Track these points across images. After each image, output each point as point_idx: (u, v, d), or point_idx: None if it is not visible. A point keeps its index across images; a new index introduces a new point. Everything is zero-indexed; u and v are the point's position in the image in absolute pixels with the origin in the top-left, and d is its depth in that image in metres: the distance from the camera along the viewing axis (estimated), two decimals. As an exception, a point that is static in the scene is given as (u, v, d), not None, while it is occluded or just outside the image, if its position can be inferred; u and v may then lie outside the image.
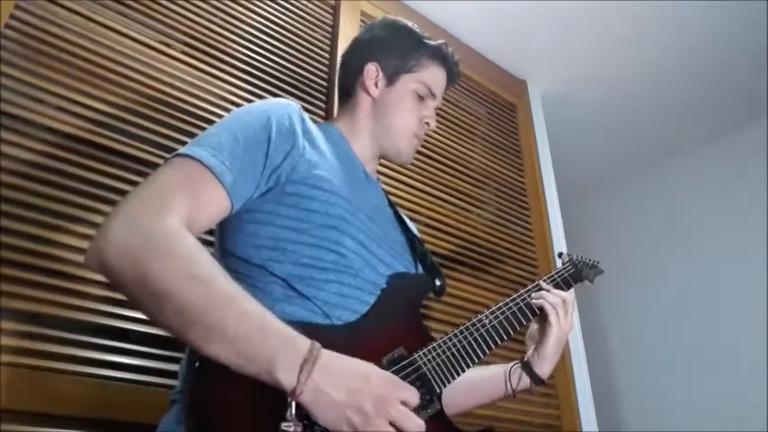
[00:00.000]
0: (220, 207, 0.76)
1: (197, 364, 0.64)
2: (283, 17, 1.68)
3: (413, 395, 0.69)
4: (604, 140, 2.90)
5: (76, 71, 1.23)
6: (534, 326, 1.01)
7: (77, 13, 1.27)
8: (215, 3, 1.54)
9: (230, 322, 0.62)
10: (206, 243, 0.94)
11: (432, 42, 1.04)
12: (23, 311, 1.01)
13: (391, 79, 1.02)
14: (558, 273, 1.08)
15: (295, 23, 1.70)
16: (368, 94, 1.02)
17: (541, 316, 0.98)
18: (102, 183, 1.17)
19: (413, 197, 1.77)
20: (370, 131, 1.01)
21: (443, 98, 2.08)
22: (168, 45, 1.40)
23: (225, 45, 1.51)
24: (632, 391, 2.75)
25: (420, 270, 1.01)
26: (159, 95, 1.32)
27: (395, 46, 1.03)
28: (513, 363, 1.01)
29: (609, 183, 3.23)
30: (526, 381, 0.99)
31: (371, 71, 1.02)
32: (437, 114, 0.94)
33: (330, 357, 0.65)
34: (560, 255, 1.18)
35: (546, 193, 2.29)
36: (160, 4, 1.42)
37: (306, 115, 0.91)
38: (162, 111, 1.31)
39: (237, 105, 1.44)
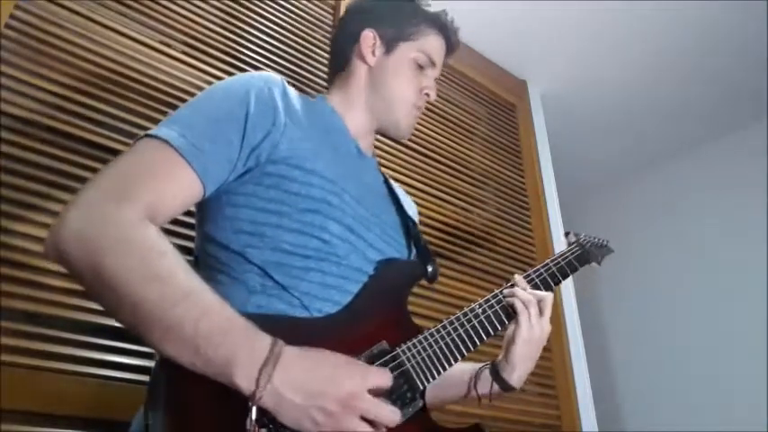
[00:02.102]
0: (190, 191, 0.71)
1: (156, 363, 0.61)
2: (283, 17, 1.68)
3: (383, 378, 0.65)
4: (604, 140, 2.90)
5: (76, 71, 1.23)
6: (511, 326, 0.90)
7: (77, 13, 1.27)
8: (215, 3, 1.54)
9: (188, 321, 0.58)
10: (187, 225, 0.91)
11: (430, 9, 0.99)
12: (23, 311, 1.01)
13: (389, 47, 0.95)
14: (562, 256, 1.00)
15: (295, 23, 1.70)
16: (364, 62, 0.95)
17: (515, 315, 0.88)
18: (102, 183, 1.17)
19: (413, 197, 1.77)
20: (367, 102, 0.95)
21: (443, 98, 2.10)
22: (168, 45, 1.40)
23: (225, 45, 1.51)
24: (632, 391, 2.74)
25: (413, 254, 0.95)
26: (159, 95, 1.32)
27: (393, 13, 0.97)
28: (483, 364, 0.93)
29: (609, 183, 3.23)
30: (493, 386, 0.90)
31: (369, 38, 0.95)
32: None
33: (293, 356, 0.60)
34: (566, 234, 1.10)
35: (546, 193, 2.29)
36: (160, 4, 1.42)
37: (290, 89, 0.85)
38: (162, 111, 1.31)
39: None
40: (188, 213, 0.86)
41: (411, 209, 1.04)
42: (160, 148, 0.69)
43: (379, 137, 1.03)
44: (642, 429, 2.63)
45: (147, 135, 0.71)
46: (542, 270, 0.95)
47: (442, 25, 0.99)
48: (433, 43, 0.98)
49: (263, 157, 0.76)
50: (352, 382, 0.62)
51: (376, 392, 0.64)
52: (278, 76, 0.84)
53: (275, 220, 0.75)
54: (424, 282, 0.90)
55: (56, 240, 0.63)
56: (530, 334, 0.87)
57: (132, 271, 0.60)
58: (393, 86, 0.95)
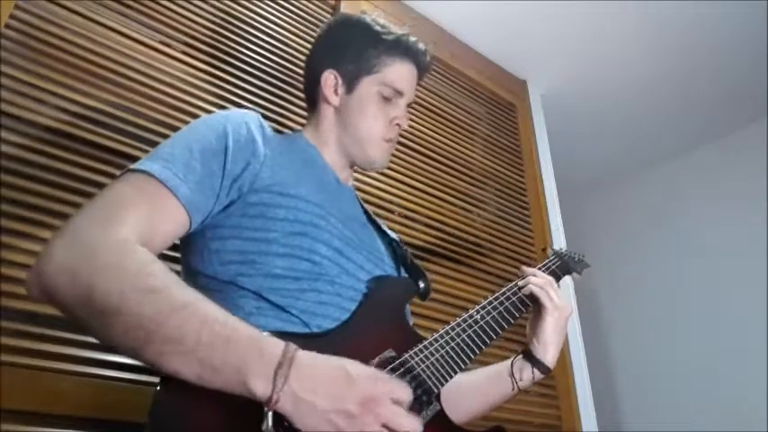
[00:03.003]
0: (177, 222, 0.71)
1: (158, 387, 0.59)
2: (283, 17, 1.68)
3: (404, 391, 0.62)
4: (605, 140, 2.90)
5: (76, 71, 1.22)
6: (530, 320, 0.96)
7: (77, 13, 1.27)
8: (215, 3, 1.54)
9: (190, 330, 0.56)
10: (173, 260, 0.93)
11: (389, 37, 0.95)
12: (23, 311, 1.01)
13: (351, 85, 0.95)
14: (544, 265, 1.04)
15: (295, 23, 1.70)
16: (329, 103, 0.96)
17: (534, 302, 0.93)
18: (101, 182, 1.16)
19: (413, 197, 1.77)
20: (338, 141, 0.96)
21: (443, 98, 2.10)
22: (168, 45, 1.40)
23: (225, 45, 1.51)
24: (632, 391, 2.74)
25: (403, 274, 0.96)
26: (159, 95, 1.32)
27: (350, 47, 0.95)
28: (514, 356, 0.95)
29: (609, 183, 3.23)
30: (531, 372, 0.92)
31: (329, 79, 0.96)
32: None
33: (308, 358, 0.58)
34: (544, 249, 1.15)
35: (546, 193, 2.29)
36: (160, 4, 1.42)
37: (266, 123, 0.86)
38: (162, 111, 1.31)
39: (237, 105, 1.44)
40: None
41: (391, 233, 1.06)
42: (144, 180, 0.69)
43: None
44: (642, 429, 2.63)
45: (129, 170, 0.71)
46: (510, 294, 0.96)
47: (405, 50, 0.97)
48: (398, 71, 0.96)
49: (246, 187, 0.77)
50: (374, 387, 0.59)
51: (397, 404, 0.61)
52: (254, 113, 0.86)
53: (264, 248, 0.76)
54: (417, 299, 0.92)
55: (40, 275, 0.61)
56: (557, 311, 0.92)
57: (125, 288, 0.58)
58: (360, 125, 0.94)
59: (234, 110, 0.86)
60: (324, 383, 0.57)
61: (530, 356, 0.93)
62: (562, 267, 1.06)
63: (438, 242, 1.77)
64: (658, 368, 2.67)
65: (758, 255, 2.50)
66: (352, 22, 0.99)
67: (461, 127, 2.10)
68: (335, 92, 0.96)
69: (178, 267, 0.86)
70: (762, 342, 2.37)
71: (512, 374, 0.93)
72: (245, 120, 0.82)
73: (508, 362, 0.95)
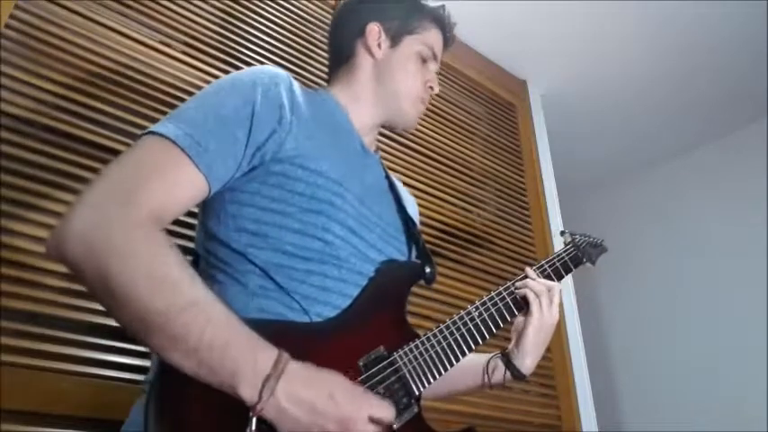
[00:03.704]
0: (196, 190, 0.70)
1: (160, 370, 0.61)
2: (283, 17, 1.68)
3: (385, 411, 0.65)
4: (605, 140, 2.90)
5: (76, 71, 1.22)
6: (520, 317, 0.94)
7: (77, 13, 1.27)
8: (215, 3, 1.54)
9: (194, 329, 0.58)
10: (187, 225, 0.92)
11: (430, 5, 1.01)
12: (23, 311, 1.01)
13: (395, 40, 0.96)
14: (557, 257, 1.04)
15: (295, 23, 1.70)
16: (371, 55, 0.95)
17: (526, 305, 0.92)
18: (102, 183, 1.17)
19: (413, 197, 1.77)
20: (375, 96, 0.95)
21: (443, 98, 2.09)
22: (168, 45, 1.40)
23: (225, 45, 1.51)
24: (632, 391, 2.74)
25: (413, 254, 0.96)
26: (159, 95, 1.32)
27: (395, 6, 0.98)
28: (493, 353, 0.95)
29: (609, 182, 3.23)
30: (503, 375, 0.93)
31: (374, 31, 0.95)
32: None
33: (296, 371, 0.61)
34: (562, 233, 1.12)
35: (546, 193, 2.29)
36: (160, 4, 1.42)
37: (296, 85, 0.84)
38: (162, 111, 1.31)
39: (237, 105, 1.44)
40: (189, 213, 0.86)
41: (412, 206, 1.05)
42: (165, 147, 0.68)
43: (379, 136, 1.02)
44: (642, 429, 2.63)
45: (151, 132, 0.70)
46: (506, 294, 0.95)
47: (441, 20, 1.01)
48: (434, 37, 1.00)
49: (269, 155, 0.75)
50: (352, 407, 0.62)
51: (376, 424, 0.64)
52: (284, 72, 0.83)
53: (278, 220, 0.75)
54: (422, 283, 0.91)
55: (59, 240, 0.62)
56: (540, 322, 0.90)
57: (137, 278, 0.59)
58: (400, 79, 0.95)
59: (262, 68, 0.82)
60: (306, 398, 0.60)
61: (507, 360, 0.93)
62: (575, 259, 1.05)
63: (438, 242, 1.77)
64: (658, 368, 2.67)
65: (758, 255, 2.50)
66: None
67: (461, 127, 2.10)
68: (379, 45, 0.96)
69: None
70: (762, 342, 2.37)
71: (486, 372, 0.94)
72: (275, 80, 0.79)
73: (484, 358, 0.96)
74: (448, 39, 1.03)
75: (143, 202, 0.64)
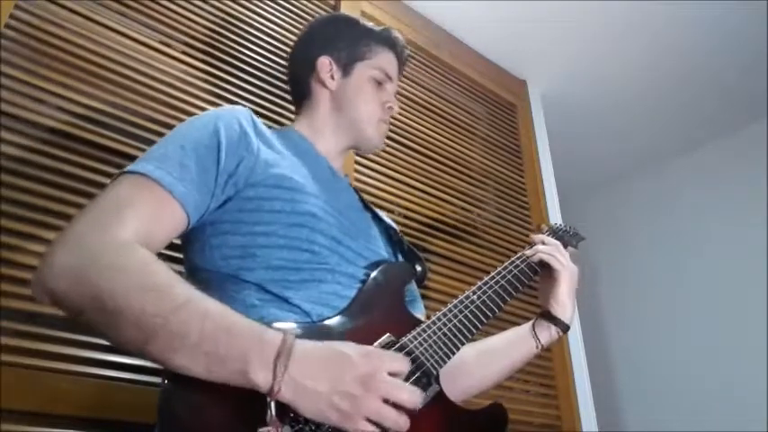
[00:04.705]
0: (175, 220, 0.72)
1: (164, 382, 0.60)
2: (283, 17, 1.68)
3: (400, 363, 0.65)
4: (604, 140, 2.90)
5: (76, 71, 1.22)
6: (542, 284, 1.00)
7: (77, 13, 1.27)
8: (214, 3, 1.54)
9: (193, 325, 0.58)
10: (173, 260, 0.93)
11: (376, 29, 1.04)
12: (23, 311, 1.01)
13: (346, 69, 1.00)
14: (549, 231, 1.08)
15: (295, 23, 1.70)
16: (325, 87, 0.99)
17: (544, 268, 0.97)
18: (101, 182, 1.16)
19: (413, 197, 1.77)
20: (336, 125, 0.99)
21: (443, 98, 2.09)
22: (168, 45, 1.40)
23: (224, 45, 1.51)
24: (632, 391, 2.74)
25: (400, 259, 0.98)
26: (159, 95, 1.32)
27: (342, 37, 1.02)
28: (533, 319, 0.99)
29: (609, 183, 3.23)
30: (550, 332, 0.97)
31: (325, 64, 1.00)
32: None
33: (305, 345, 0.61)
34: (539, 226, 1.18)
35: (546, 193, 2.29)
36: (160, 4, 1.42)
37: (257, 119, 0.88)
38: (162, 111, 1.31)
39: (237, 105, 1.44)
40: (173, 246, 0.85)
41: (387, 219, 1.08)
42: (139, 181, 0.70)
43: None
44: (642, 429, 2.63)
45: (124, 172, 0.72)
46: (518, 262, 0.97)
47: (390, 42, 1.04)
48: (386, 59, 1.03)
49: (241, 183, 0.78)
50: (370, 364, 0.61)
51: (395, 376, 0.64)
52: (245, 108, 0.87)
53: (263, 241, 0.77)
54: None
55: (44, 279, 0.62)
56: (567, 271, 0.96)
57: (129, 287, 0.60)
58: (358, 106, 0.99)
59: (224, 106, 0.87)
60: (322, 368, 0.59)
61: (549, 316, 0.97)
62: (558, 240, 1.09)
63: (438, 242, 1.77)
64: (658, 368, 2.67)
65: (758, 255, 2.50)
66: (339, 16, 1.06)
67: (461, 127, 2.10)
68: (332, 76, 0.99)
69: (178, 267, 0.86)
70: (762, 342, 2.37)
71: (534, 334, 0.97)
72: (236, 115, 0.83)
73: (528, 324, 0.99)
74: (401, 56, 1.06)
75: (124, 228, 0.66)
